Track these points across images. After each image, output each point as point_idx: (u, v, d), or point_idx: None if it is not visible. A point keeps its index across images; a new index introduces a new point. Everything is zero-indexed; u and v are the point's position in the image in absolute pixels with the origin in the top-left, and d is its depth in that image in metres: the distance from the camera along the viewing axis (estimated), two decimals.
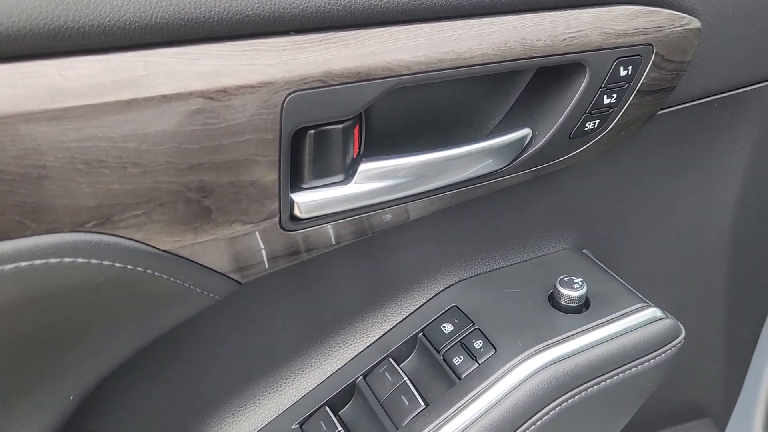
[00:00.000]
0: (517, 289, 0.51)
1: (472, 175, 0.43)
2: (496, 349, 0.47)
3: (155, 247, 0.34)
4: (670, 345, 0.49)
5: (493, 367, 0.46)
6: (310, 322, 0.51)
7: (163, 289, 0.36)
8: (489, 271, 0.54)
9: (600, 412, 0.49)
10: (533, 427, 0.45)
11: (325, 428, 0.48)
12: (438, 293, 0.53)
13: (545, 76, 0.44)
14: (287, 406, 0.51)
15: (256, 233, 0.37)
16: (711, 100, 0.53)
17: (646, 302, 0.50)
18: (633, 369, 0.48)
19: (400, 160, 0.40)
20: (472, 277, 0.53)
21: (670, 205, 0.59)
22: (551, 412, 0.45)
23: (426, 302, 0.52)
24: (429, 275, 0.53)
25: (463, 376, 0.46)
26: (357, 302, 0.51)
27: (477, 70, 0.38)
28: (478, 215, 0.52)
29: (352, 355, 0.52)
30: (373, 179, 0.39)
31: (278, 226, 0.38)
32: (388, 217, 0.42)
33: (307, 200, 0.38)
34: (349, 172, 0.39)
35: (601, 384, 0.47)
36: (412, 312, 0.52)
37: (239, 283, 0.40)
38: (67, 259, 0.31)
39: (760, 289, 0.72)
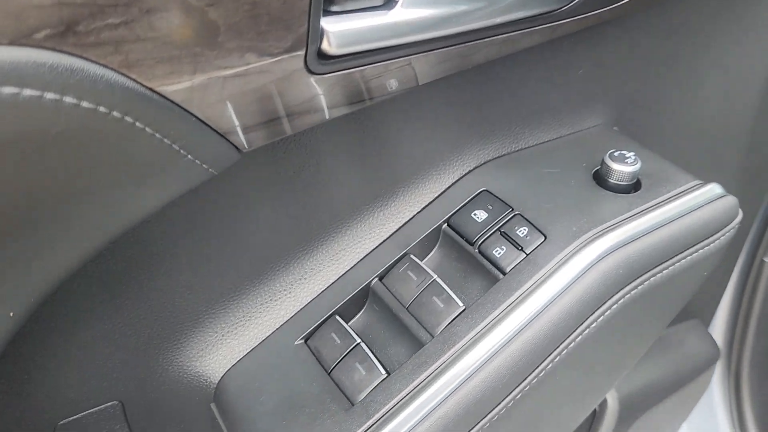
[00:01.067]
0: (556, 169, 0.43)
1: (529, 13, 0.34)
2: (546, 236, 0.39)
3: (139, 82, 0.23)
4: (732, 224, 0.43)
5: (545, 256, 0.38)
6: (309, 216, 0.41)
7: (143, 150, 0.25)
8: (519, 150, 0.45)
9: (663, 300, 0.43)
10: (599, 320, 0.38)
11: (339, 341, 0.39)
12: (461, 177, 0.44)
13: None
14: (286, 319, 0.41)
15: (274, 73, 0.27)
16: None
17: (700, 180, 0.43)
18: (700, 251, 0.41)
19: None
20: (499, 156, 0.44)
21: (699, 81, 0.52)
22: (618, 302, 0.38)
23: (448, 188, 0.43)
24: (449, 156, 0.43)
25: (508, 269, 0.38)
26: (364, 191, 0.42)
27: None
28: (503, 83, 0.42)
29: (363, 254, 0.42)
30: (423, 4, 0.29)
31: (303, 64, 0.27)
32: (393, 83, 0.32)
33: (340, 29, 0.27)
34: None
35: (670, 268, 0.40)
36: (433, 200, 0.43)
37: (239, 151, 0.29)
38: (6, 90, 0.20)
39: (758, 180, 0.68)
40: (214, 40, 0.24)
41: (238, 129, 0.28)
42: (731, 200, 0.42)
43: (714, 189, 0.42)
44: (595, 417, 0.62)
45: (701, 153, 0.56)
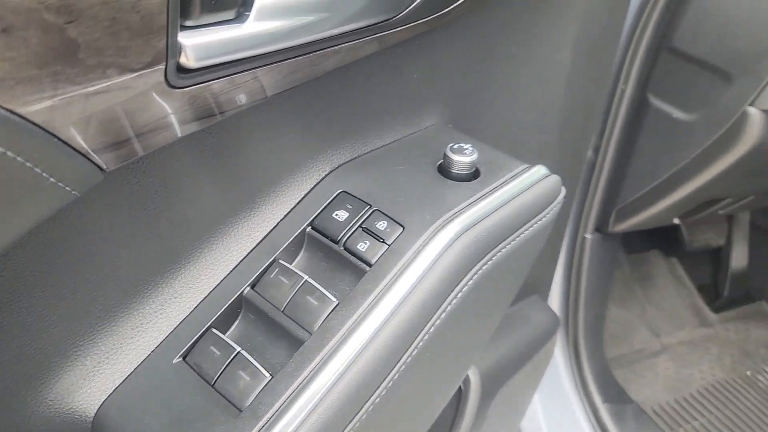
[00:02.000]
0: (404, 166, 0.47)
1: (364, 24, 0.37)
2: (403, 227, 0.42)
3: None
4: (557, 200, 0.49)
5: (405, 245, 0.41)
6: (175, 234, 0.41)
7: (2, 175, 0.24)
8: (368, 152, 0.48)
9: (508, 274, 0.48)
10: (458, 296, 0.42)
11: (218, 353, 0.39)
12: (319, 182, 0.46)
13: None
14: (161, 340, 0.40)
15: (136, 88, 0.27)
16: None
17: (527, 164, 0.49)
18: (533, 226, 0.47)
19: None
20: (352, 159, 0.47)
21: (516, 76, 0.58)
22: (472, 279, 0.42)
23: (307, 193, 0.45)
24: (305, 163, 0.45)
25: (374, 261, 0.41)
26: (227, 204, 0.42)
27: None
28: (348, 89, 0.45)
29: (233, 266, 0.43)
30: (274, 16, 0.31)
31: (164, 79, 0.28)
32: (242, 97, 0.34)
33: (197, 43, 0.29)
34: (244, 6, 0.30)
35: (511, 244, 0.45)
36: (294, 206, 0.45)
37: (103, 171, 0.29)
38: None
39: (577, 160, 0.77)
40: (74, 57, 0.24)
41: (101, 148, 0.28)
42: (555, 179, 0.48)
43: (540, 170, 0.48)
44: (462, 394, 0.66)
45: (526, 140, 0.63)
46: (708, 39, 0.84)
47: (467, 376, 0.67)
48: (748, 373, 1.37)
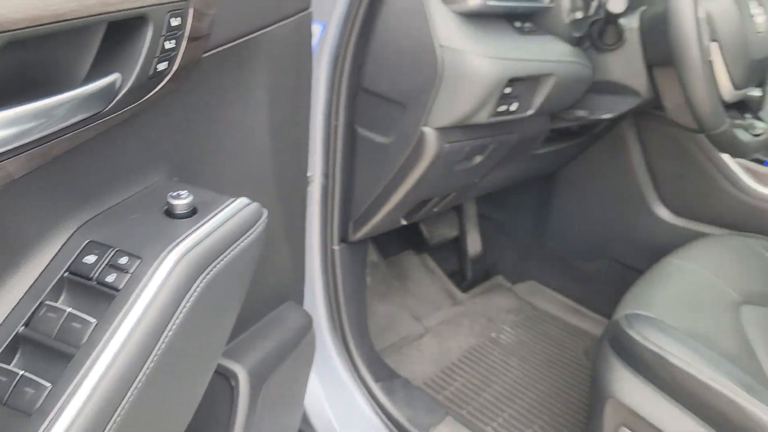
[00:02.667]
0: (138, 214, 0.62)
1: (78, 119, 0.52)
2: (141, 258, 0.57)
3: None
4: (260, 222, 0.67)
5: (143, 271, 0.56)
6: None
7: None
8: (109, 208, 0.62)
9: (228, 284, 0.64)
10: (188, 304, 0.57)
11: (5, 379, 0.51)
12: (69, 237, 0.59)
13: (119, 27, 0.55)
14: None
15: None
16: (235, 45, 0.71)
17: (233, 198, 0.66)
18: (241, 244, 0.64)
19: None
20: (95, 216, 0.61)
21: (225, 132, 0.76)
22: (197, 290, 0.58)
23: (61, 248, 0.58)
24: (55, 226, 0.58)
25: (121, 287, 0.55)
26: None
27: (50, 29, 0.47)
28: (86, 159, 0.59)
29: (5, 315, 0.54)
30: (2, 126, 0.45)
31: None
32: None
33: None
34: None
35: (224, 261, 0.62)
36: (51, 260, 0.57)
37: None
38: None
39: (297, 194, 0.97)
40: None
41: None
42: (255, 206, 0.66)
43: (243, 201, 0.66)
44: (233, 388, 0.82)
45: (246, 179, 0.81)
46: (385, 79, 1.09)
47: (236, 375, 0.83)
48: (493, 335, 1.68)
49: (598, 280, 1.73)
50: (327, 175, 1.19)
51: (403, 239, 1.82)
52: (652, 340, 1.04)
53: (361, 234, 1.25)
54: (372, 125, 1.15)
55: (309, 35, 0.89)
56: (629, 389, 1.06)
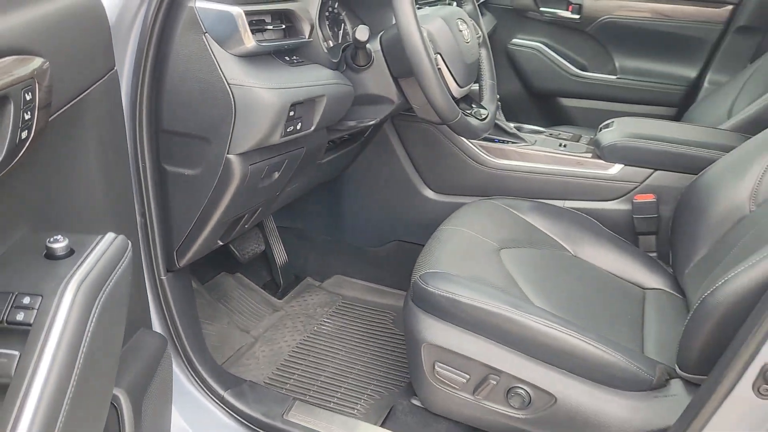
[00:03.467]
0: (19, 263, 0.71)
1: None
2: (42, 295, 0.67)
3: None
4: (128, 251, 0.80)
5: (48, 305, 0.67)
6: None
7: None
8: None
9: (114, 308, 0.77)
10: (92, 326, 0.69)
11: None
12: None
13: None
14: None
15: None
16: (67, 108, 0.83)
17: (101, 234, 0.78)
18: (118, 272, 0.77)
19: None
20: None
21: (73, 180, 0.87)
22: (95, 316, 0.70)
23: None
24: None
25: (32, 321, 0.66)
26: None
27: None
28: None
29: None
30: None
31: None
32: None
33: None
34: None
35: (109, 286, 0.74)
36: None
37: None
38: None
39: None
40: None
41: None
42: (122, 238, 0.79)
43: (110, 236, 0.78)
44: (118, 410, 0.92)
45: (95, 219, 0.92)
46: (183, 119, 1.23)
47: (118, 397, 0.93)
48: (315, 328, 1.89)
49: (392, 261, 2.02)
50: (143, 214, 1.30)
51: (216, 263, 1.95)
52: (444, 289, 1.32)
53: (185, 260, 1.37)
54: (179, 161, 1.28)
55: (118, 89, 1.02)
56: (435, 332, 1.34)
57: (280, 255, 2.07)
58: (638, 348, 1.35)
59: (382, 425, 1.47)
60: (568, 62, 2.66)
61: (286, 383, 1.64)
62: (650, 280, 1.63)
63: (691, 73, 2.53)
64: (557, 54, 2.67)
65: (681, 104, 2.52)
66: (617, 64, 2.63)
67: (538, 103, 2.72)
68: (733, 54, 2.44)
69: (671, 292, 1.60)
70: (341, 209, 2.03)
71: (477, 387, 1.33)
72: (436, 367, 1.35)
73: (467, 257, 1.47)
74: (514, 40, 2.74)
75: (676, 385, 1.25)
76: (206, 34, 1.17)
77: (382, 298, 2.03)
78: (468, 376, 1.33)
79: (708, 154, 1.67)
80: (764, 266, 1.08)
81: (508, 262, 1.51)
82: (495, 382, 1.30)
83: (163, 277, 1.35)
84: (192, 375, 1.37)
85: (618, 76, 2.62)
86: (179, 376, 1.34)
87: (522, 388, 1.29)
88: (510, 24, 2.74)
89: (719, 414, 1.00)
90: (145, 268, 1.31)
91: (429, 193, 1.92)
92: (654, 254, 1.75)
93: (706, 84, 2.46)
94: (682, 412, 1.08)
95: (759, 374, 0.95)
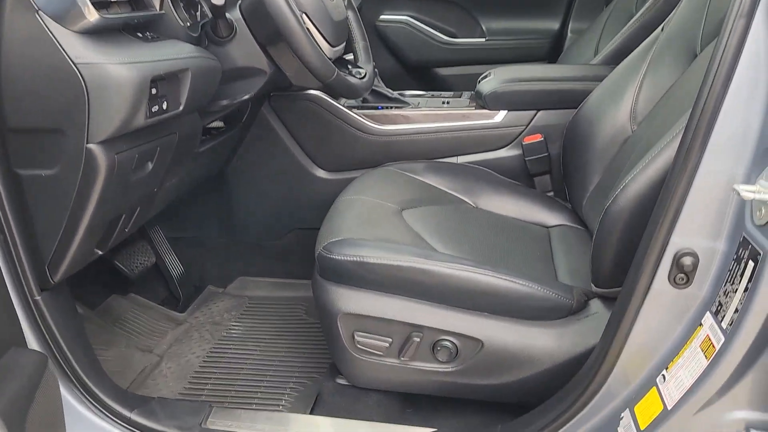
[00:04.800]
0: None
1: None
2: None
3: None
4: None
5: None
6: None
7: None
8: None
9: None
10: None
11: None
12: None
13: None
14: None
15: None
16: None
17: None
18: None
19: None
20: None
21: None
22: None
23: None
24: None
25: None
26: None
27: None
28: None
29: None
30: None
31: None
32: None
33: None
34: None
35: None
36: None
37: None
38: None
39: None
40: None
41: None
42: None
43: None
44: None
45: None
46: (29, 111, 1.09)
47: None
48: (224, 333, 1.76)
49: (295, 251, 1.93)
50: (1, 229, 1.14)
51: (104, 285, 1.78)
52: (350, 254, 1.25)
53: (60, 275, 1.22)
54: (34, 162, 1.14)
55: None
56: (348, 300, 1.27)
57: (174, 267, 1.92)
58: (552, 278, 1.34)
59: (311, 412, 1.37)
60: (437, 31, 2.68)
61: (201, 394, 1.51)
62: (552, 218, 1.64)
63: (554, 25, 2.62)
64: (425, 25, 2.69)
65: (549, 56, 2.59)
66: (484, 27, 2.68)
67: (414, 76, 2.72)
68: (589, 1, 2.54)
69: (573, 225, 1.61)
70: (232, 207, 1.92)
71: (401, 349, 1.26)
72: (355, 337, 1.28)
73: (369, 222, 1.41)
74: (382, 17, 2.73)
75: (595, 305, 1.24)
76: (39, 12, 1.04)
77: (291, 292, 1.93)
78: (390, 340, 1.26)
79: (584, 87, 1.70)
80: (657, 164, 1.09)
81: (412, 221, 1.46)
82: (419, 340, 1.24)
83: (37, 297, 1.20)
84: (88, 399, 1.22)
85: (486, 39, 2.67)
86: (71, 401, 1.19)
87: (447, 340, 1.24)
88: (374, 1, 2.73)
89: (642, 315, 0.99)
90: (12, 288, 1.15)
91: (321, 173, 1.84)
92: (551, 193, 1.77)
93: (569, 33, 2.55)
94: (606, 324, 1.07)
95: (672, 264, 0.95)
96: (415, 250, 1.28)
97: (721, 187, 0.91)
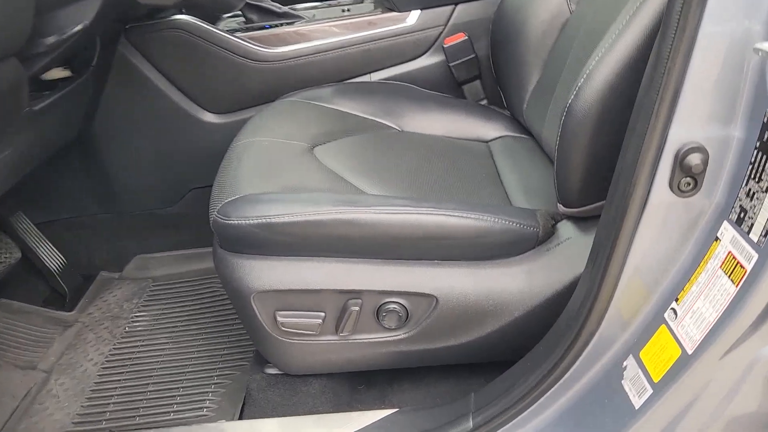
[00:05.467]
0: None
1: None
2: None
3: None
4: None
5: None
6: None
7: None
8: None
9: None
10: None
11: None
12: None
13: None
14: None
15: None
16: None
17: None
18: None
19: None
20: None
21: None
22: None
23: None
24: None
25: None
26: None
27: None
28: None
29: None
30: None
31: None
32: None
33: None
34: None
35: None
36: None
37: None
38: None
39: None
40: None
41: None
42: None
43: None
44: None
45: None
46: None
47: None
48: (126, 328, 1.46)
49: (194, 215, 1.62)
50: None
51: None
52: (252, 215, 0.97)
53: None
54: None
55: None
56: (260, 274, 0.99)
57: (51, 258, 1.58)
58: (506, 203, 1.10)
59: (241, 416, 1.11)
60: None
61: (104, 415, 1.22)
62: (490, 129, 1.39)
63: None
64: None
65: None
66: None
67: None
68: None
69: (515, 135, 1.37)
70: (108, 175, 1.57)
71: (338, 323, 1.00)
72: (277, 318, 1.01)
73: (272, 169, 1.12)
74: None
75: (565, 228, 1.01)
76: None
77: (199, 263, 1.63)
78: (322, 314, 1.00)
79: None
80: (628, 40, 0.84)
81: (327, 158, 1.18)
82: (358, 308, 0.99)
83: None
84: None
85: None
86: None
87: (393, 302, 0.99)
88: None
89: (639, 237, 0.76)
90: None
91: (210, 117, 1.51)
92: (484, 101, 1.51)
93: None
94: (591, 252, 0.84)
95: (674, 165, 0.71)
96: (336, 196, 1.00)
97: (734, 52, 0.66)
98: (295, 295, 0.99)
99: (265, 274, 0.98)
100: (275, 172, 1.09)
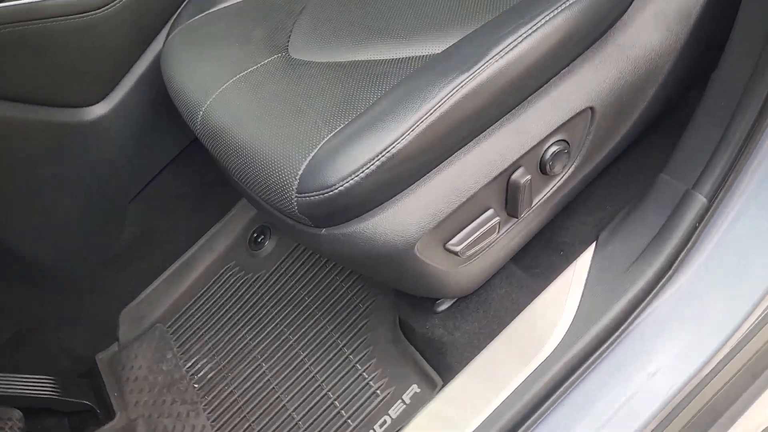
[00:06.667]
0: None
1: None
2: None
3: None
4: None
5: None
6: None
7: None
8: None
9: None
10: None
11: None
12: None
13: None
14: None
15: None
16: None
17: None
18: None
19: None
20: None
21: None
22: None
23: None
24: None
25: None
26: None
27: None
28: None
29: None
30: None
31: None
32: None
33: None
34: None
35: None
36: None
37: None
38: None
39: None
40: None
41: None
42: None
43: None
44: None
45: None
46: None
47: None
48: (195, 385, 1.18)
49: (142, 238, 1.26)
50: None
51: None
52: (356, 166, 0.69)
53: None
54: None
55: None
56: (404, 222, 0.74)
57: (44, 387, 1.21)
58: None
59: (444, 373, 0.91)
60: None
61: None
62: None
63: None
64: None
65: None
66: None
67: None
68: None
69: None
70: (25, 259, 1.16)
71: (514, 204, 0.80)
72: (450, 248, 0.79)
73: (291, 103, 0.81)
74: None
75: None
76: None
77: (187, 278, 1.31)
78: (491, 209, 0.79)
79: None
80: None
81: (319, 52, 0.88)
82: (528, 176, 0.78)
83: None
84: None
85: None
86: None
87: (553, 144, 0.79)
88: None
89: None
90: None
91: (96, 111, 1.10)
92: None
93: None
94: None
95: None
96: (424, 80, 0.73)
97: None
98: (453, 217, 0.76)
99: (408, 220, 0.74)
100: (302, 106, 0.79)
